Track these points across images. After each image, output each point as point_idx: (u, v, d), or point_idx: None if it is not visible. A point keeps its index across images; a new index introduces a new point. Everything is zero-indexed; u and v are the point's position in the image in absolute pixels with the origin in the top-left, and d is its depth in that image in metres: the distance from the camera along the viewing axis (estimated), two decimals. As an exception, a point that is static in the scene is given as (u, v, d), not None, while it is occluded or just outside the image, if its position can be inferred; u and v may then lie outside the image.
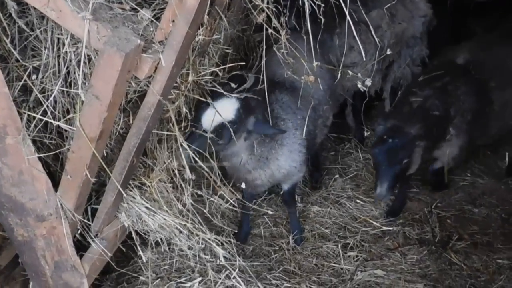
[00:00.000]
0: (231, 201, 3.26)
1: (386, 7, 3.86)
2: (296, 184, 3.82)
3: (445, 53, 4.15)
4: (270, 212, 3.76)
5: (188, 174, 2.76)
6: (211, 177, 3.05)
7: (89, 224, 2.83)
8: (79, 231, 2.76)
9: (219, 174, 3.04)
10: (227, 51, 3.27)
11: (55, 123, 2.25)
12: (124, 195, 2.59)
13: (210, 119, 2.77)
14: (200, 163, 2.83)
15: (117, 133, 2.56)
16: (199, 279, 3.34)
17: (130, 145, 2.47)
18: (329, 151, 4.86)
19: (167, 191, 3.08)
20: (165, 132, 2.66)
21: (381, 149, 3.43)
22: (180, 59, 2.24)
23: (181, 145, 2.77)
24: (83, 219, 2.63)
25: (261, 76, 2.85)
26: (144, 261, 3.32)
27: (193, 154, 2.74)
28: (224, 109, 2.80)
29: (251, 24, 3.41)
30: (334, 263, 3.64)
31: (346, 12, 2.30)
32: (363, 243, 3.83)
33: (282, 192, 3.82)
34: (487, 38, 4.27)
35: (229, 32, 3.05)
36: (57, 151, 2.37)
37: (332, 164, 4.73)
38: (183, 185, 3.15)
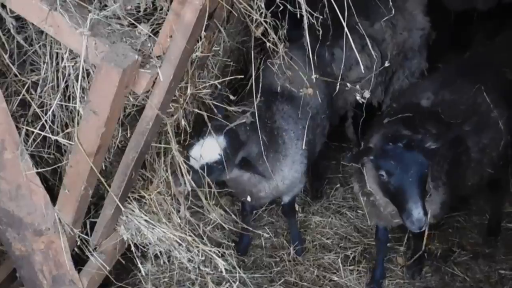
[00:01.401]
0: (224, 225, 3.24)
1: (388, 19, 3.87)
2: (296, 195, 3.81)
3: (407, 94, 3.59)
4: (266, 235, 3.68)
5: (187, 187, 2.75)
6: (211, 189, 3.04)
7: (88, 238, 2.82)
8: (77, 244, 2.75)
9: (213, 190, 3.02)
10: (227, 63, 3.28)
11: (54, 137, 2.25)
12: (123, 209, 2.57)
13: (196, 158, 2.81)
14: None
15: (116, 147, 2.55)
16: (200, 291, 3.32)
17: (128, 159, 2.46)
18: (330, 160, 4.83)
19: (167, 203, 3.06)
20: (163, 145, 2.65)
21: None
22: (179, 73, 2.23)
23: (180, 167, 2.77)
24: (81, 233, 2.62)
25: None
26: (144, 274, 3.30)
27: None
28: (209, 150, 2.80)
29: (250, 35, 3.41)
30: (335, 275, 3.61)
31: (344, 24, 2.28)
32: (365, 254, 3.80)
33: (282, 204, 3.80)
34: (447, 71, 3.67)
35: (228, 44, 3.05)
36: (55, 166, 2.35)
37: (334, 173, 4.70)
38: (180, 199, 3.15)
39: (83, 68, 1.98)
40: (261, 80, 3.19)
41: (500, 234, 3.85)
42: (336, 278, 3.59)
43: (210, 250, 3.27)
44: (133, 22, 2.06)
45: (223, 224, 3.09)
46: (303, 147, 3.34)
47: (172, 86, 2.23)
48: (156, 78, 2.12)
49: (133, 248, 3.03)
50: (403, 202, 2.67)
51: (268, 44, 2.49)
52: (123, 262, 3.26)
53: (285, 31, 2.71)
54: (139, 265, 3.15)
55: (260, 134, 2.86)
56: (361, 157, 2.93)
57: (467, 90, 3.33)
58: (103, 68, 1.88)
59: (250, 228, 3.64)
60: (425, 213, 2.64)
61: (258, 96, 2.78)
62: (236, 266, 3.42)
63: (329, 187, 4.52)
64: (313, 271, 3.70)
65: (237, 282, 3.32)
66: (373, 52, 3.82)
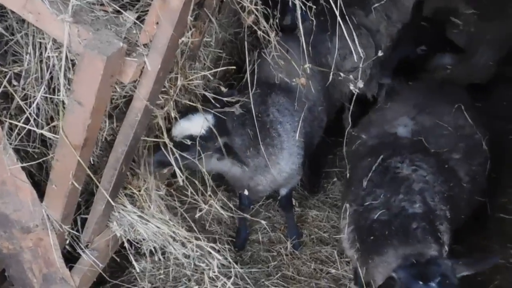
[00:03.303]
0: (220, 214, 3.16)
1: (383, 10, 3.81)
2: (293, 188, 3.77)
3: (377, 122, 3.11)
4: (263, 222, 3.60)
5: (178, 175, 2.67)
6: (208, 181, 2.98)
7: (79, 235, 2.75)
8: (68, 242, 2.68)
9: (209, 180, 2.95)
10: (220, 55, 3.21)
11: (38, 131, 2.17)
12: (113, 203, 2.50)
13: (180, 130, 2.73)
14: (199, 166, 2.75)
15: (104, 140, 2.48)
16: (196, 287, 3.26)
17: (118, 152, 2.39)
18: (327, 154, 4.78)
19: (161, 198, 3.00)
20: (153, 139, 2.57)
21: None
22: (167, 63, 2.16)
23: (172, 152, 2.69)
24: (71, 230, 2.55)
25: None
26: (138, 271, 3.24)
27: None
28: (197, 123, 2.74)
29: (243, 27, 3.35)
30: (333, 267, 3.56)
31: (337, 14, 2.21)
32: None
33: (279, 197, 3.75)
34: (418, 90, 3.28)
35: (220, 35, 2.98)
36: (40, 160, 2.28)
37: (330, 167, 4.65)
38: (175, 193, 3.09)
39: (66, 57, 1.91)
40: (256, 72, 3.13)
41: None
42: (333, 271, 3.57)
43: (206, 246, 3.22)
44: (118, 8, 1.99)
45: (222, 212, 2.99)
46: (300, 139, 3.29)
47: (161, 76, 2.16)
48: (143, 67, 2.05)
49: (126, 244, 2.97)
50: None
51: (259, 32, 2.41)
52: (118, 259, 3.20)
53: (277, 20, 2.65)
54: (133, 262, 3.09)
55: (258, 131, 2.81)
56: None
57: (446, 111, 2.97)
58: (87, 56, 1.80)
59: (248, 217, 3.57)
60: None
61: (254, 88, 2.73)
62: (232, 262, 3.37)
63: (326, 181, 4.49)
64: (310, 264, 3.69)
65: (233, 277, 3.27)
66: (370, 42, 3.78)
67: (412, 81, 3.80)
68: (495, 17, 4.01)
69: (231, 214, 3.32)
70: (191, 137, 2.69)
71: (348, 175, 2.97)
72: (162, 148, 2.65)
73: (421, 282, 2.21)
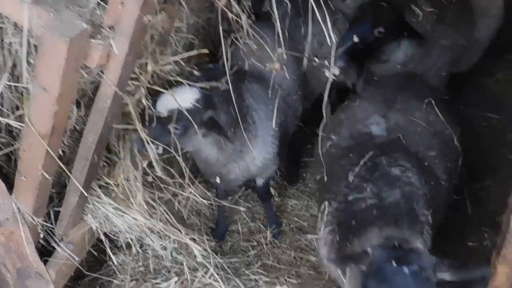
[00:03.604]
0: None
1: None
2: (270, 178, 3.74)
3: (347, 121, 2.98)
4: (242, 209, 3.57)
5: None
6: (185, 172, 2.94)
7: (53, 227, 2.69)
8: (42, 235, 2.62)
9: (186, 170, 2.91)
10: (192, 41, 3.16)
11: (4, 120, 2.11)
12: (85, 194, 2.45)
13: (166, 104, 2.64)
14: (175, 154, 2.69)
15: (74, 130, 2.42)
16: (176, 279, 3.24)
17: (88, 141, 2.34)
18: (305, 144, 4.79)
19: (136, 189, 2.95)
20: (125, 126, 2.53)
21: None
22: (135, 46, 2.11)
23: (147, 141, 2.65)
24: (44, 223, 2.50)
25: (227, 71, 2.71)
26: (116, 264, 3.20)
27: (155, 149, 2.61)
28: (183, 97, 2.67)
29: (216, 12, 3.31)
30: (312, 255, 3.56)
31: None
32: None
33: (257, 188, 3.73)
34: (384, 86, 3.16)
35: (192, 21, 2.94)
36: (6, 151, 2.21)
37: (309, 157, 4.65)
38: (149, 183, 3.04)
39: (29, 42, 1.84)
40: (230, 59, 3.09)
41: None
42: (313, 258, 3.55)
43: (185, 237, 3.20)
44: (81, -11, 1.93)
45: (201, 200, 2.94)
46: (275, 128, 3.27)
47: (129, 60, 2.12)
48: (110, 51, 2.00)
49: (102, 237, 2.93)
50: None
51: (230, 15, 2.38)
52: (95, 253, 3.15)
53: (249, 3, 2.63)
54: (111, 255, 3.04)
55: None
56: (350, 261, 2.25)
57: (416, 106, 2.87)
58: (48, 38, 1.75)
59: (227, 203, 3.53)
60: None
61: (228, 71, 2.69)
62: (211, 252, 3.35)
63: (305, 170, 4.47)
64: (290, 253, 3.67)
65: (213, 267, 3.25)
66: None
67: (374, 75, 3.65)
68: (453, 23, 3.71)
69: (210, 202, 3.29)
70: (178, 112, 2.60)
71: (318, 178, 2.83)
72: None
73: (394, 264, 2.05)
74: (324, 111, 4.63)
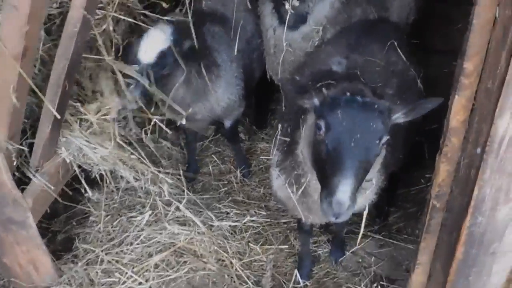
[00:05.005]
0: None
1: None
2: (237, 121, 3.84)
3: (309, 64, 2.99)
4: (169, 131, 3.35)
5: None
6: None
7: (28, 161, 2.79)
8: (16, 165, 2.71)
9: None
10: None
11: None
12: (58, 116, 2.54)
13: (147, 52, 2.73)
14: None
15: (46, 59, 2.50)
16: (150, 212, 3.38)
17: (59, 67, 2.44)
18: (273, 93, 4.95)
19: (108, 123, 3.05)
20: (96, 56, 2.63)
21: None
22: (101, -30, 2.21)
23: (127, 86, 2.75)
24: (19, 147, 2.56)
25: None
26: (91, 197, 3.31)
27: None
28: (159, 38, 2.76)
29: None
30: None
31: None
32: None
33: (225, 130, 3.85)
34: (348, 33, 3.18)
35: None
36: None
37: (276, 105, 4.81)
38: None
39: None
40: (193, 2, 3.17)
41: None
42: (282, 195, 3.75)
43: (158, 172, 3.33)
44: None
45: (166, 130, 3.05)
46: (239, 69, 3.37)
47: (96, -16, 2.21)
48: (77, -28, 2.10)
49: (76, 169, 3.02)
50: (329, 173, 1.97)
51: None
52: (70, 193, 3.25)
53: None
54: (86, 187, 3.11)
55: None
56: (306, 97, 2.21)
57: (379, 49, 2.92)
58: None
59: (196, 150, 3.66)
60: (352, 200, 1.93)
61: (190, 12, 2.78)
62: (185, 186, 3.50)
63: (273, 117, 4.63)
64: (259, 190, 3.87)
65: (185, 201, 3.42)
66: None
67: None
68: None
69: (175, 131, 3.38)
70: (162, 53, 2.71)
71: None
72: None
73: (348, 93, 2.05)
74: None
